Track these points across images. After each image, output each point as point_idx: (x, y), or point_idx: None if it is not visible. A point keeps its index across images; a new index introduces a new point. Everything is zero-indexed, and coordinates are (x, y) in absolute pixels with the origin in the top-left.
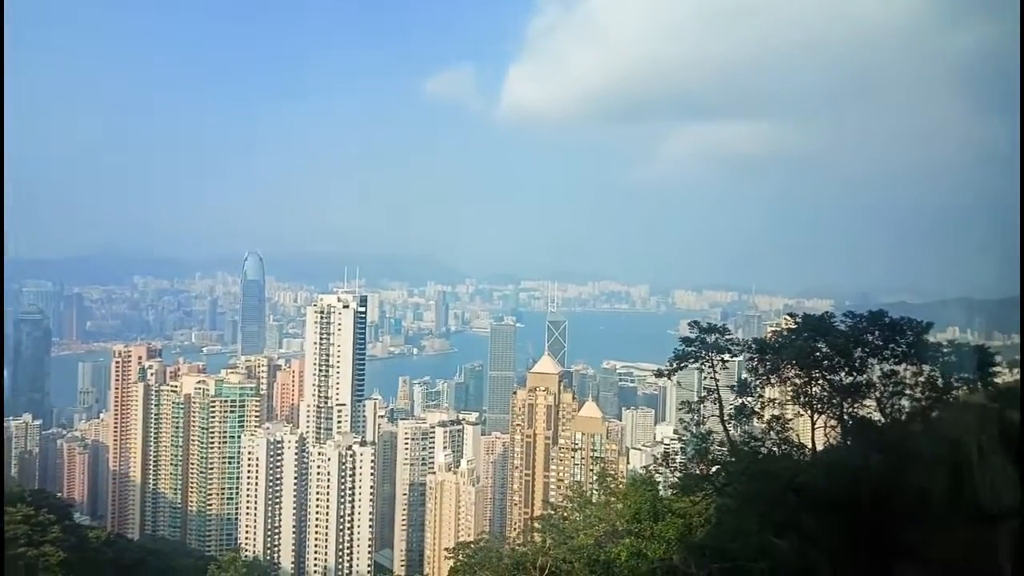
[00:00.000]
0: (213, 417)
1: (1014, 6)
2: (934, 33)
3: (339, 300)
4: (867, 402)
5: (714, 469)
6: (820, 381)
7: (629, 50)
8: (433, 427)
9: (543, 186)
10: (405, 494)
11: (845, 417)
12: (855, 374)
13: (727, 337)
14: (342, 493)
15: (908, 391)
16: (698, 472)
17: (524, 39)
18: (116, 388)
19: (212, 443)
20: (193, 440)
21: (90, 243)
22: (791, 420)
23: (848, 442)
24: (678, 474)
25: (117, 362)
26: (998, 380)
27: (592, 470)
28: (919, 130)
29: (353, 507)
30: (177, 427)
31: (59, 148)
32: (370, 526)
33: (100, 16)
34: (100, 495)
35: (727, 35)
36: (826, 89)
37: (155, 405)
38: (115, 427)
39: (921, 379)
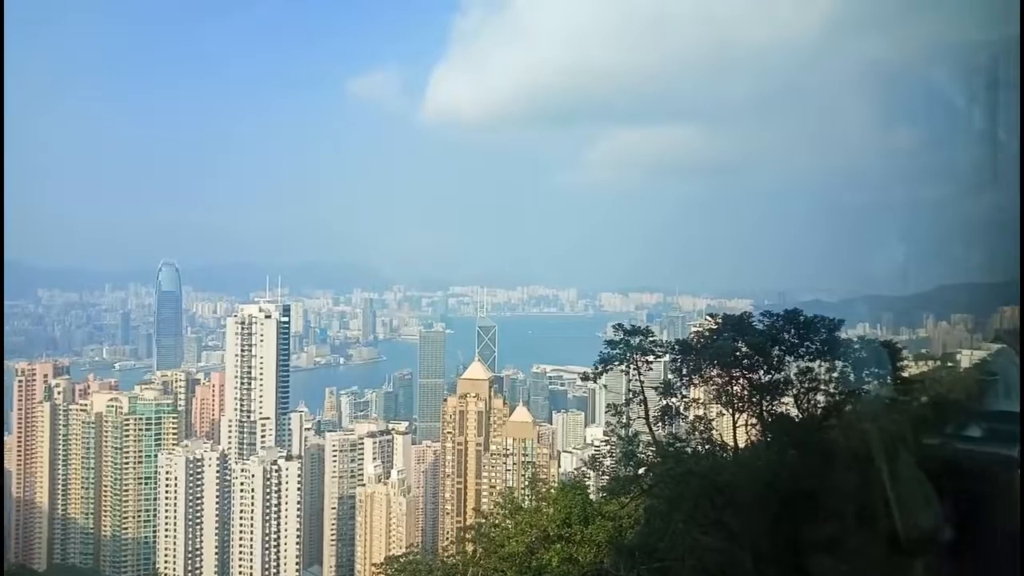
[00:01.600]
0: (127, 436)
1: (933, 8)
2: (851, 38)
3: (261, 310)
4: (785, 399)
5: (642, 471)
6: (740, 380)
7: (555, 54)
8: (362, 438)
9: (470, 189)
10: (334, 508)
11: (765, 415)
12: (773, 372)
13: (651, 339)
14: (267, 510)
15: (823, 387)
16: (626, 474)
17: (448, 40)
18: (19, 409)
19: (127, 463)
20: (106, 461)
21: None
22: (714, 419)
23: (767, 439)
24: (607, 477)
25: (20, 381)
26: (905, 373)
27: (524, 475)
28: (835, 136)
29: (279, 524)
30: (88, 448)
31: None
32: (297, 543)
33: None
34: (3, 522)
35: (653, 41)
36: (748, 96)
37: (63, 425)
38: (19, 450)
39: (834, 375)
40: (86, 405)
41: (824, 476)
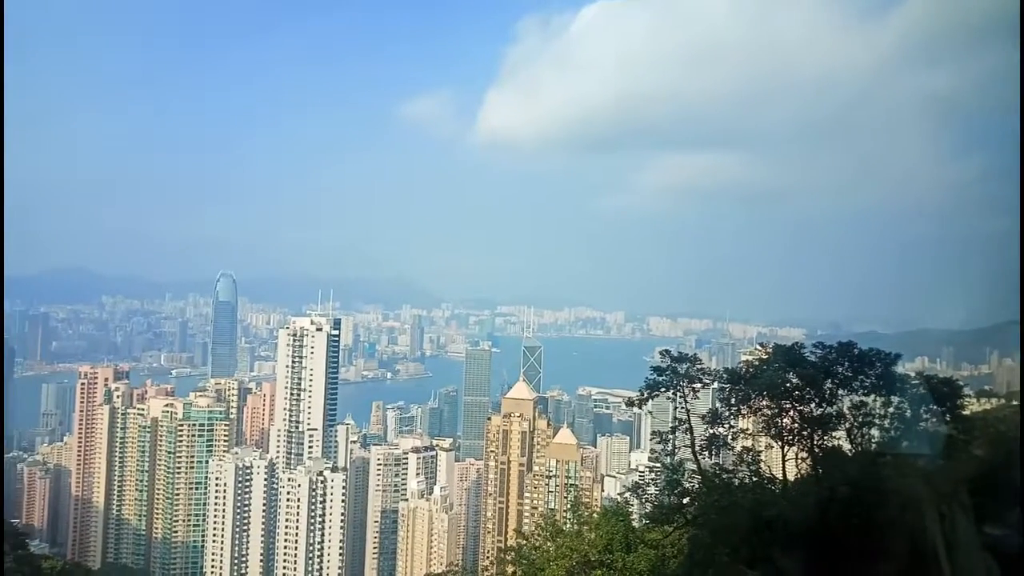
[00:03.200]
0: (180, 441)
1: (985, 49)
2: (902, 72)
3: (312, 323)
4: (837, 433)
5: (686, 500)
6: (791, 412)
7: (605, 80)
8: (406, 453)
9: (520, 212)
10: (376, 521)
11: (815, 449)
12: (825, 405)
13: (699, 366)
14: (312, 520)
15: (877, 422)
16: (670, 503)
17: (502, 66)
18: (80, 410)
19: (179, 468)
20: (159, 465)
21: (59, 261)
22: (762, 451)
23: (818, 474)
24: (650, 504)
25: (82, 384)
26: (966, 412)
27: (566, 498)
28: (891, 167)
29: (323, 535)
30: (143, 451)
31: (27, 162)
32: (340, 554)
33: (77, 33)
34: (61, 521)
35: (703, 69)
36: (800, 124)
37: (121, 428)
38: (79, 451)
39: (890, 410)
40: (143, 410)
41: (878, 514)
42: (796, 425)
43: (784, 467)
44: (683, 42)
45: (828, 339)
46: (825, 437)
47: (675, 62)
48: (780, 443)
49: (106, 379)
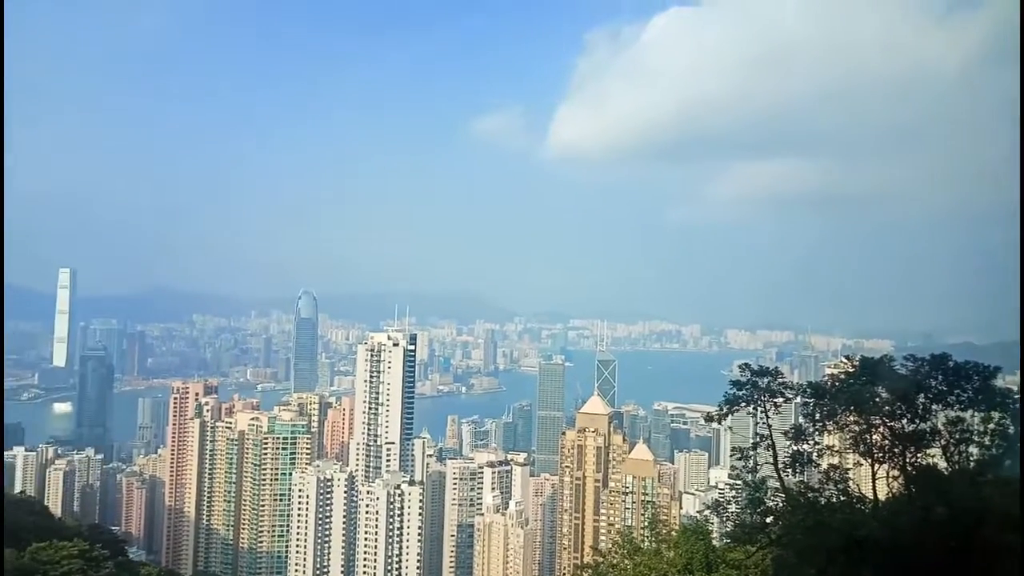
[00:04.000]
0: (266, 454)
1: None
2: (986, 71)
3: (389, 338)
4: (931, 451)
5: (770, 519)
6: (880, 428)
7: (676, 89)
8: (481, 467)
9: (591, 224)
10: (453, 535)
11: (908, 467)
12: (918, 421)
13: (780, 380)
14: (390, 533)
15: (976, 439)
16: (753, 522)
17: (572, 78)
18: (174, 424)
19: (264, 480)
20: (246, 476)
21: (153, 282)
22: (850, 469)
23: (911, 493)
24: (731, 523)
25: (175, 398)
26: None
27: (643, 515)
28: (974, 170)
29: (401, 547)
30: (231, 463)
31: (124, 191)
32: (418, 567)
33: (134, 55)
34: (156, 530)
35: (774, 74)
36: (879, 128)
37: (210, 441)
38: (172, 462)
39: (990, 427)
40: (231, 423)
41: (977, 537)
42: (887, 442)
43: (875, 486)
44: (755, 47)
45: (919, 351)
46: (919, 455)
47: (747, 68)
48: (870, 461)
49: (197, 394)
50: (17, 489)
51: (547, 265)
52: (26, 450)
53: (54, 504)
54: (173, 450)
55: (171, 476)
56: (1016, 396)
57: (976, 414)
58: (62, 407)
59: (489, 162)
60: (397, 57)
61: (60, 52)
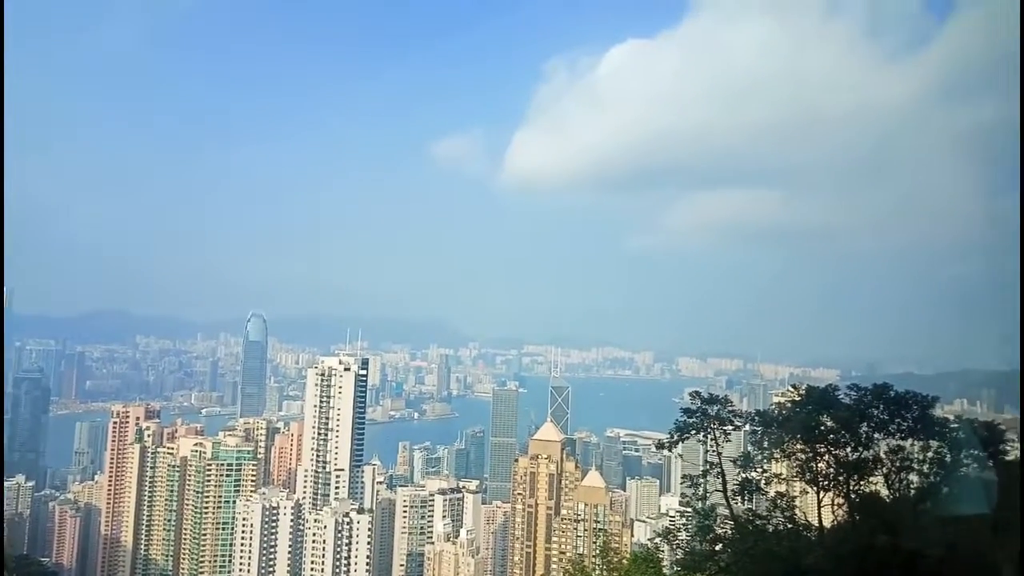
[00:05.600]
0: (209, 481)
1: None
2: (938, 108)
3: (340, 362)
4: (874, 479)
5: (719, 547)
6: (826, 456)
7: (633, 119)
8: (432, 495)
9: (546, 252)
10: (402, 564)
11: (852, 494)
12: (861, 449)
13: (729, 408)
14: (337, 562)
15: (916, 467)
16: (702, 549)
17: (529, 106)
18: (112, 449)
19: (207, 507)
20: (187, 504)
21: (97, 303)
22: (797, 497)
23: (855, 520)
24: (681, 551)
25: (115, 422)
26: (1010, 457)
27: (595, 543)
28: (928, 204)
29: None
30: (172, 490)
31: (62, 207)
32: None
33: (103, 71)
34: (90, 560)
35: (733, 106)
36: (831, 162)
37: (151, 467)
38: (109, 489)
39: (929, 455)
40: (173, 448)
41: (919, 564)
42: (831, 470)
43: (820, 513)
44: (713, 80)
45: (863, 380)
46: (862, 482)
47: (705, 100)
48: (815, 488)
49: (138, 418)
50: None
51: (503, 291)
52: None
53: None
54: (111, 476)
55: (108, 504)
56: (954, 425)
57: (916, 443)
58: None
59: (447, 187)
60: (363, 80)
61: (21, 57)
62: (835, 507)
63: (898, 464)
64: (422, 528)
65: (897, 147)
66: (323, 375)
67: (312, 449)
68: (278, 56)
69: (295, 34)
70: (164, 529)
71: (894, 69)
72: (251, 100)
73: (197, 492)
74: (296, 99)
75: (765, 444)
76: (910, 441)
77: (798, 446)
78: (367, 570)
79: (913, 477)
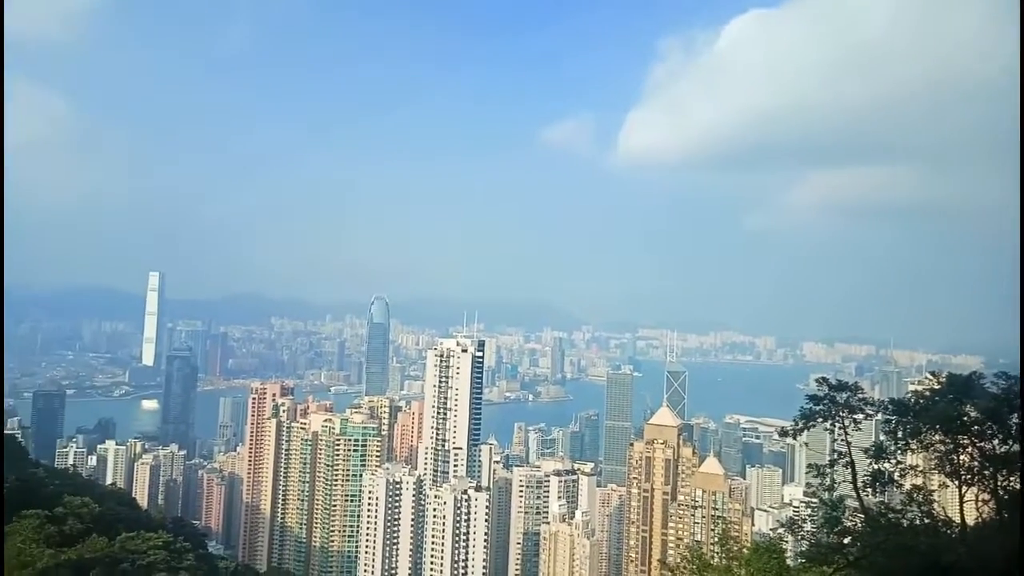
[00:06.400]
0: (338, 455)
1: None
2: None
3: (458, 344)
4: None
5: (847, 539)
6: (969, 449)
7: (753, 95)
8: (548, 476)
9: (662, 233)
10: (518, 543)
11: (999, 490)
12: (1010, 442)
13: (860, 396)
14: (457, 537)
15: None
16: (829, 541)
17: (645, 86)
18: (252, 423)
19: (336, 480)
20: (319, 476)
21: (236, 286)
22: (935, 491)
23: (1002, 518)
24: (806, 542)
25: (254, 398)
26: None
27: (713, 530)
28: None
29: (467, 552)
30: (304, 463)
31: (206, 200)
32: (484, 572)
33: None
34: (234, 525)
35: (861, 79)
36: (972, 136)
37: (286, 441)
38: (249, 460)
39: None
40: (305, 424)
41: None
42: (975, 463)
43: (962, 509)
44: (838, 50)
45: (1011, 368)
46: (1011, 478)
47: (831, 72)
48: (957, 482)
49: (274, 394)
50: (108, 481)
51: (616, 274)
52: (117, 444)
53: (141, 496)
54: (251, 448)
55: (248, 474)
56: None
57: None
58: (150, 404)
59: (560, 170)
60: (473, 65)
61: (158, 64)
62: (979, 503)
63: None
64: (538, 508)
65: None
66: (442, 356)
67: (432, 427)
68: (391, 48)
69: (405, 27)
70: (298, 499)
71: None
72: (372, 86)
73: (327, 465)
74: (415, 84)
75: (900, 434)
76: None
77: (937, 437)
78: (485, 546)
79: None
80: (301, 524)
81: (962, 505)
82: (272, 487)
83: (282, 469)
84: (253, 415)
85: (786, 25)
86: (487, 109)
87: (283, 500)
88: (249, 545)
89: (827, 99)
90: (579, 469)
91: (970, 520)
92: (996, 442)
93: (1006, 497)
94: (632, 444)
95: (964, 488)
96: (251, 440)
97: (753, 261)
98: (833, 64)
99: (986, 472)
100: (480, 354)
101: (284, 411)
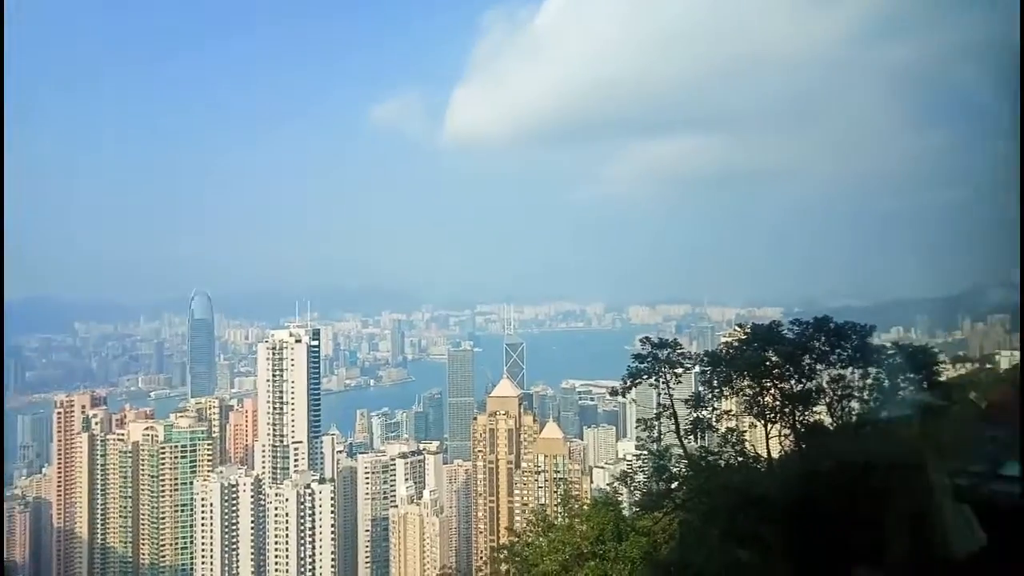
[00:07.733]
0: (163, 464)
1: (947, 22)
2: (876, 45)
3: (291, 335)
4: (818, 408)
5: (675, 485)
6: (772, 390)
7: (572, 70)
8: (393, 459)
9: (493, 210)
10: (367, 530)
11: (797, 425)
12: (804, 381)
13: (679, 351)
14: (302, 534)
15: (856, 395)
16: (659, 489)
17: (467, 62)
18: (59, 440)
19: (163, 491)
20: (143, 489)
21: (27, 289)
22: (746, 431)
23: (801, 450)
24: (639, 492)
25: (59, 413)
26: (942, 378)
27: (556, 492)
28: (860, 142)
29: (314, 547)
30: (125, 477)
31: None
32: (332, 566)
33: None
34: (44, 554)
35: (670, 54)
36: (770, 105)
37: (101, 455)
38: (59, 481)
39: (868, 382)
40: (123, 435)
41: (861, 485)
42: (777, 403)
43: (768, 445)
44: (649, 28)
45: (804, 315)
46: (806, 412)
47: (642, 48)
48: (763, 422)
49: (83, 406)
50: None
51: (451, 252)
52: None
53: None
54: (59, 468)
55: (59, 496)
56: (890, 352)
57: (855, 371)
58: None
59: (388, 150)
60: (285, 48)
61: None
62: (782, 438)
63: (840, 392)
64: (385, 493)
65: (830, 88)
66: (274, 349)
67: (268, 424)
68: (202, 26)
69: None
70: (120, 516)
71: (825, 9)
72: (182, 66)
73: (152, 476)
74: (223, 65)
75: (714, 383)
76: (850, 370)
77: (745, 382)
78: (332, 538)
79: (854, 404)
80: (126, 543)
81: (768, 442)
82: (88, 507)
83: (99, 486)
84: (60, 431)
85: (600, 3)
86: (308, 88)
87: (102, 520)
88: (65, 572)
89: (639, 73)
90: (425, 449)
91: (775, 454)
92: (793, 382)
93: (803, 430)
94: (475, 418)
95: (769, 426)
96: (59, 459)
97: (581, 232)
98: (643, 40)
99: (786, 410)
100: (316, 343)
101: (97, 423)
